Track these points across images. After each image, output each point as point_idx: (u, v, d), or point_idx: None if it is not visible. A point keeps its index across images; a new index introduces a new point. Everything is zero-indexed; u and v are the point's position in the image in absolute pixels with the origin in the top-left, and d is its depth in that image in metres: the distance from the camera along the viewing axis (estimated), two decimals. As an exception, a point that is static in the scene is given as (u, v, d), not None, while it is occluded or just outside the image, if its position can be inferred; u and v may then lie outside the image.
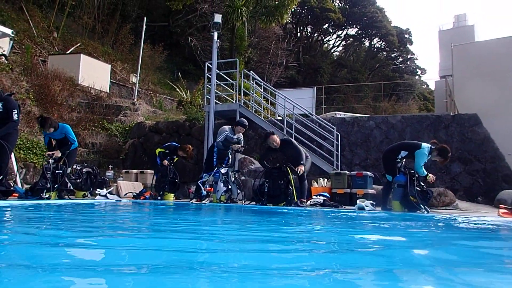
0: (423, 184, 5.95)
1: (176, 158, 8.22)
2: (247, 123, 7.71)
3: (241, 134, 7.69)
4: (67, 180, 6.37)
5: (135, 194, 8.12)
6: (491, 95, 19.41)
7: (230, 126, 7.63)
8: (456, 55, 21.29)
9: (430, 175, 5.95)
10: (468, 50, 22.04)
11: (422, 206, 5.72)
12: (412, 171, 5.90)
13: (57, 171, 6.13)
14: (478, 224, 4.22)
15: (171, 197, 8.00)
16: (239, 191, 7.45)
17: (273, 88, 12.02)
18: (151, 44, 19.76)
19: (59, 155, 6.31)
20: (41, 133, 6.82)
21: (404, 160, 6.13)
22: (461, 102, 16.81)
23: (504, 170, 9.00)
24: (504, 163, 9.07)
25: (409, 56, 38.90)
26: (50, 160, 6.15)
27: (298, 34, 33.96)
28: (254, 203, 6.97)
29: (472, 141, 9.39)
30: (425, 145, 5.99)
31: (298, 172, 6.55)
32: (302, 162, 6.65)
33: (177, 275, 1.34)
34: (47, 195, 5.90)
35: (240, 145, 7.58)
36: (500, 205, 6.06)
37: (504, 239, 3.33)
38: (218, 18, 10.17)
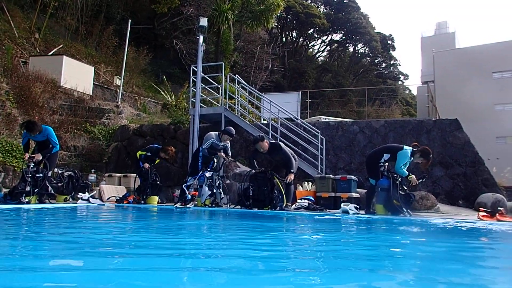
0: (406, 188, 6.03)
1: (158, 160, 8.13)
2: (234, 133, 7.62)
3: (228, 142, 7.64)
4: (48, 184, 6.23)
5: (118, 198, 8.00)
6: (471, 100, 19.92)
7: (216, 133, 7.56)
8: (438, 61, 21.82)
9: (412, 176, 6.02)
10: (449, 56, 22.60)
11: (405, 210, 5.80)
12: (395, 175, 5.98)
13: (37, 175, 5.99)
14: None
15: (154, 200, 7.91)
16: (223, 195, 7.41)
17: (258, 92, 12.05)
18: (135, 47, 19.58)
19: (40, 158, 6.17)
20: (21, 136, 6.65)
21: (387, 164, 6.20)
22: (442, 107, 17.18)
23: (483, 174, 9.21)
24: (484, 167, 9.27)
25: (392, 62, 39.56)
26: (30, 164, 6.01)
27: (284, 38, 34.17)
28: (239, 207, 6.96)
29: (453, 145, 9.58)
30: (408, 148, 6.09)
31: (287, 181, 6.57)
32: (292, 171, 6.65)
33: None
34: (26, 199, 5.76)
35: (225, 156, 7.53)
36: (480, 208, 6.18)
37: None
38: (203, 21, 10.15)
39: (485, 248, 2.88)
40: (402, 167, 5.98)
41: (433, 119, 10.46)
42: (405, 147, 6.11)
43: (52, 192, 6.49)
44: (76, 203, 6.82)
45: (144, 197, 7.75)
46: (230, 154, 7.87)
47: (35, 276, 1.36)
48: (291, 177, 6.61)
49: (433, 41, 29.72)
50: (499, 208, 5.94)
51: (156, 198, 7.94)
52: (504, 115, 20.28)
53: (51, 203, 6.30)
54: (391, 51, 38.67)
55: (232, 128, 7.66)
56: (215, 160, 7.51)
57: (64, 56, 14.32)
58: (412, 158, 6.06)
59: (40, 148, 6.37)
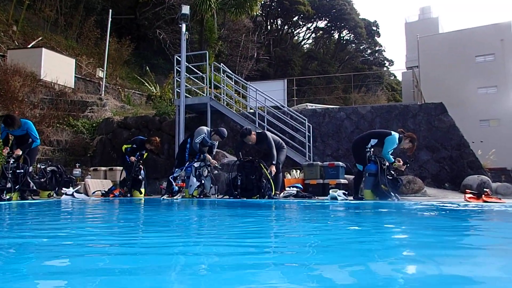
0: (393, 173, 6.04)
1: (146, 154, 8.01)
2: (226, 136, 7.47)
3: (216, 142, 7.59)
4: (29, 180, 6.06)
5: (103, 192, 7.86)
6: (455, 84, 20.14)
7: (208, 130, 7.48)
8: (422, 47, 21.90)
9: (399, 163, 6.03)
10: (433, 41, 22.73)
11: (393, 194, 5.82)
12: (383, 160, 5.98)
13: (18, 171, 5.81)
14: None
15: (138, 194, 7.77)
16: (211, 185, 7.34)
17: (244, 81, 11.92)
18: (117, 38, 19.12)
19: (20, 153, 5.98)
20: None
21: (373, 149, 6.20)
22: (427, 92, 17.33)
23: (469, 157, 9.31)
24: (469, 150, 9.38)
25: (377, 48, 39.68)
26: (10, 160, 5.82)
27: (269, 26, 33.88)
28: (227, 197, 6.90)
29: (438, 129, 9.65)
30: (395, 133, 6.08)
31: (270, 172, 6.54)
32: (273, 162, 6.62)
33: None
34: (7, 196, 5.59)
35: (215, 163, 7.46)
36: (466, 190, 6.24)
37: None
38: (186, 9, 9.94)
39: (477, 227, 2.89)
40: (389, 152, 5.99)
41: (419, 104, 10.51)
42: (393, 132, 6.11)
43: (35, 188, 6.32)
44: (60, 198, 6.66)
45: (128, 189, 7.63)
46: (214, 153, 7.86)
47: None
48: (272, 168, 6.58)
49: (417, 26, 29.84)
50: (484, 189, 6.00)
51: (138, 192, 7.77)
52: (487, 98, 20.57)
53: (33, 199, 6.14)
54: (376, 37, 38.75)
55: (225, 131, 7.48)
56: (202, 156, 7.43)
57: (43, 49, 13.93)
58: (399, 144, 6.07)
59: (18, 142, 6.17)
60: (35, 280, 1.26)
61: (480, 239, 2.33)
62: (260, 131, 7.18)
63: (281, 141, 7.24)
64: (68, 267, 1.47)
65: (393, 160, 5.99)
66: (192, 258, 1.62)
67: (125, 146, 8.01)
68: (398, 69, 57.37)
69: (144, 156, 8.00)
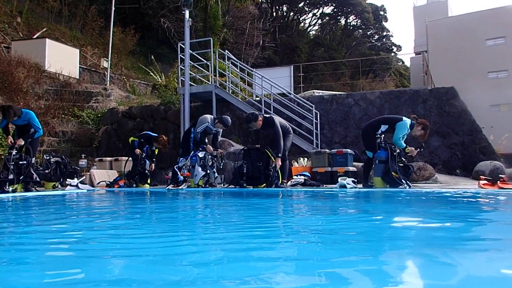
0: (404, 159, 5.86)
1: (157, 150, 7.96)
2: (230, 124, 7.31)
3: (220, 130, 7.45)
4: (32, 171, 5.98)
5: (108, 182, 7.79)
6: (464, 69, 19.69)
7: (212, 117, 7.33)
8: (431, 31, 21.37)
9: (411, 148, 5.85)
10: (442, 25, 22.15)
11: (404, 181, 5.64)
12: (393, 147, 5.80)
13: (21, 162, 5.73)
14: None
15: (144, 187, 7.72)
16: (216, 174, 7.22)
17: (250, 68, 11.73)
18: (122, 27, 18.92)
19: (22, 143, 5.89)
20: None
21: (383, 135, 6.01)
22: (436, 77, 16.93)
23: (481, 142, 9.07)
24: (481, 135, 9.13)
25: (384, 34, 38.92)
26: (13, 151, 5.74)
27: (274, 13, 33.37)
28: (232, 186, 6.79)
29: (449, 114, 9.41)
30: (407, 119, 5.88)
31: (274, 167, 6.36)
32: (279, 155, 6.40)
33: None
34: (11, 188, 5.53)
35: (211, 150, 7.25)
36: (481, 177, 6.05)
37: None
38: (189, -5, 9.71)
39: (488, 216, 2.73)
40: (401, 138, 5.79)
41: (429, 88, 10.24)
42: (404, 118, 5.91)
43: (38, 179, 6.25)
44: (65, 189, 6.60)
45: (134, 182, 7.57)
46: (219, 140, 7.70)
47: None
48: (278, 162, 6.38)
49: (426, 10, 29.07)
50: (500, 175, 5.79)
51: (144, 185, 7.71)
52: (497, 82, 20.08)
53: (37, 190, 6.08)
54: (383, 22, 37.98)
55: (229, 119, 7.30)
56: (207, 141, 7.30)
57: (47, 39, 13.82)
58: (410, 130, 5.87)
59: (19, 132, 6.07)
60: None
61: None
62: (267, 115, 6.97)
63: (288, 126, 7.02)
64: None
65: (405, 145, 5.80)
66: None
67: (132, 138, 7.94)
68: (406, 53, 56.51)
69: (156, 152, 7.94)
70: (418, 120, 5.97)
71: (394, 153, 5.73)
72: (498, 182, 5.15)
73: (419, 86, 16.70)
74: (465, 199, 3.99)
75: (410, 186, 5.67)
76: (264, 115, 7.05)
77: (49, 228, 2.36)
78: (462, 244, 1.62)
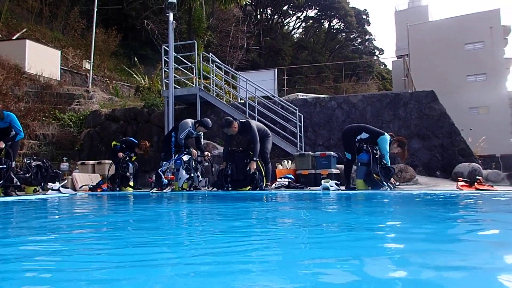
0: (384, 162, 5.99)
1: (135, 157, 7.90)
2: (210, 126, 7.44)
3: (201, 133, 7.56)
4: (12, 175, 5.87)
5: (91, 186, 7.70)
6: (445, 72, 20.17)
7: (193, 121, 7.39)
8: (412, 35, 21.88)
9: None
10: (423, 29, 22.69)
11: (385, 183, 5.76)
12: (375, 149, 5.92)
13: (0, 166, 5.62)
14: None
15: (128, 188, 7.64)
16: (200, 178, 7.22)
17: (234, 71, 11.75)
18: (104, 28, 18.69)
19: (2, 146, 5.77)
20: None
21: (362, 143, 6.13)
22: (417, 81, 17.27)
23: (460, 144, 9.31)
24: (460, 138, 9.37)
25: (367, 37, 39.60)
26: (-7, 155, 5.63)
27: (258, 16, 33.52)
28: (215, 189, 6.80)
29: (429, 117, 9.62)
30: (387, 135, 6.07)
31: (249, 170, 6.43)
32: (254, 158, 6.49)
33: None
34: (-10, 193, 5.42)
35: (206, 155, 7.44)
36: (459, 178, 6.22)
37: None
38: (172, -2, 9.69)
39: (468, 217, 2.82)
40: (387, 149, 5.96)
41: (410, 92, 10.46)
42: (385, 133, 6.09)
43: (18, 183, 6.14)
44: (46, 194, 6.49)
45: (117, 185, 7.49)
46: (202, 143, 7.84)
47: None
48: (252, 165, 6.47)
49: (407, 14, 29.81)
50: (477, 177, 5.97)
51: (127, 188, 7.64)
52: (476, 86, 20.66)
53: (17, 195, 5.96)
54: (366, 26, 38.65)
55: (209, 121, 7.44)
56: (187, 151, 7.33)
57: (27, 40, 13.57)
58: (389, 147, 6.06)
59: (0, 135, 5.95)
60: None
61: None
62: (243, 120, 7.05)
63: (266, 129, 7.12)
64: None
65: (390, 164, 5.99)
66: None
67: (114, 142, 7.90)
68: (388, 57, 57.47)
69: (133, 159, 7.87)
70: (394, 137, 6.15)
71: (376, 156, 5.84)
72: (475, 183, 5.31)
73: (401, 89, 17.02)
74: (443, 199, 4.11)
75: (391, 188, 5.79)
76: (240, 120, 7.11)
77: (25, 238, 2.31)
78: (436, 245, 1.69)
